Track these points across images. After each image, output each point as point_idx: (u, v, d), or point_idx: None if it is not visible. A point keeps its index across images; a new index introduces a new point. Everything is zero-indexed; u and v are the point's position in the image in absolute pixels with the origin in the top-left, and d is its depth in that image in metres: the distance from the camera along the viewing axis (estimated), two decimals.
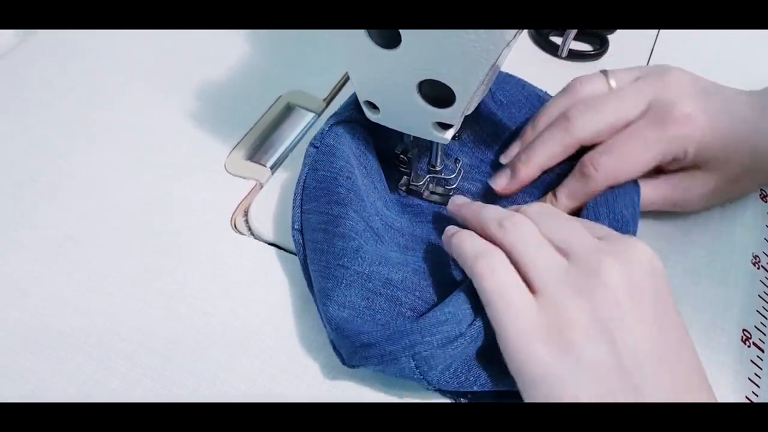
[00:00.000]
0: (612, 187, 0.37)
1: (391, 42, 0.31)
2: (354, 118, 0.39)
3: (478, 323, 0.30)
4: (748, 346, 0.35)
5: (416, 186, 0.41)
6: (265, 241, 0.40)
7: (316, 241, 0.35)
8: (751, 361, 0.35)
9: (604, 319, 0.27)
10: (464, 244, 0.32)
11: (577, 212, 0.37)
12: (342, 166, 0.36)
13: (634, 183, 0.37)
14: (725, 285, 0.37)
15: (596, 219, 0.35)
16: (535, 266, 0.29)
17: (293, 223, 0.37)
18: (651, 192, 0.38)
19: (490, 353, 0.30)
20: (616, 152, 0.36)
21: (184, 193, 0.42)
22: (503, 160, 0.41)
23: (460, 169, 0.41)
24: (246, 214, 0.41)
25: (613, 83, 0.39)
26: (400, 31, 0.29)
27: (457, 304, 0.30)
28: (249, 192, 0.43)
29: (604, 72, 0.40)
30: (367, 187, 0.38)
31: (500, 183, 0.39)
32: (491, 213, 0.33)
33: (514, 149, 0.41)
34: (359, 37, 0.31)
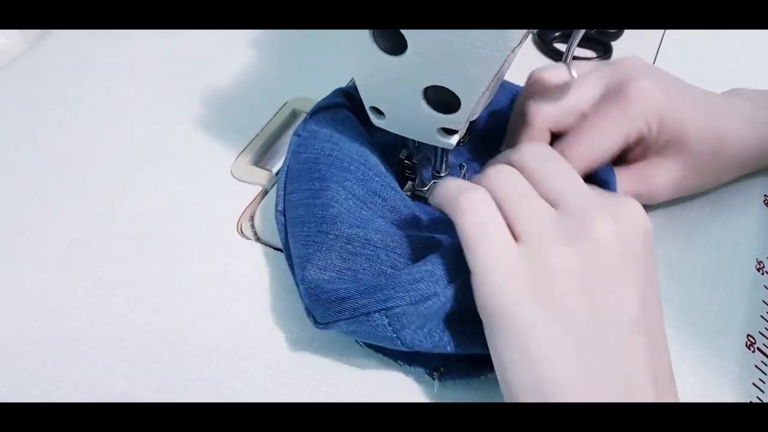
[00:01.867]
0: (590, 176, 0.37)
1: (397, 48, 0.31)
2: (335, 103, 0.39)
3: (456, 285, 0.29)
4: (753, 352, 0.35)
5: (421, 191, 0.41)
6: (271, 246, 0.40)
7: (297, 216, 0.35)
8: (756, 366, 0.35)
9: (590, 273, 0.26)
10: (447, 184, 0.30)
11: None
12: (323, 147, 0.37)
13: (610, 171, 0.37)
14: (729, 290, 0.37)
15: None
16: (518, 214, 0.28)
17: (276, 205, 0.37)
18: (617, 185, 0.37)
19: (466, 316, 0.29)
20: (585, 137, 0.36)
21: (190, 199, 0.43)
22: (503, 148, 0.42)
23: (464, 175, 0.41)
24: (252, 219, 0.42)
25: (573, 72, 0.38)
26: (406, 37, 0.30)
27: (436, 263, 0.30)
28: (255, 197, 0.43)
29: (566, 64, 0.39)
30: (363, 151, 0.37)
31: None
32: (481, 173, 0.31)
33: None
34: (365, 43, 0.31)
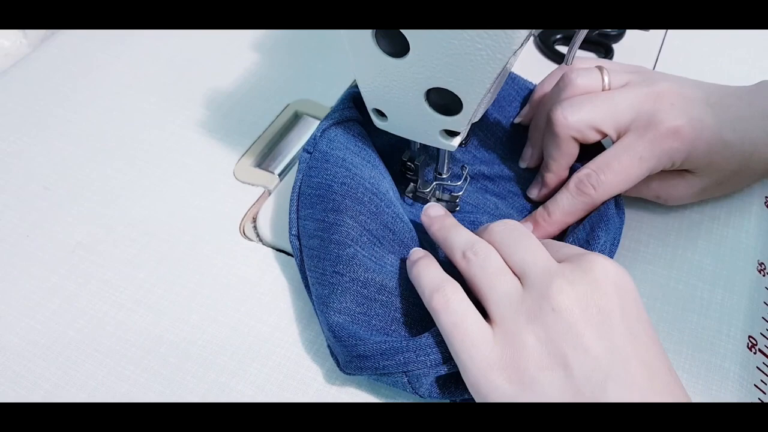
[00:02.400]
0: (597, 209, 0.37)
1: (399, 51, 0.31)
2: (347, 117, 0.39)
3: None
4: (754, 353, 0.35)
5: (423, 193, 0.41)
6: (274, 248, 0.40)
7: (312, 248, 0.35)
8: (757, 368, 0.35)
9: (558, 343, 0.27)
10: (422, 278, 0.32)
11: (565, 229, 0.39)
12: (336, 173, 0.36)
13: (619, 213, 0.38)
14: (731, 292, 0.37)
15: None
16: (492, 296, 0.29)
17: (290, 228, 0.37)
18: (639, 183, 0.38)
19: None
20: (612, 170, 0.37)
21: (194, 201, 0.43)
22: (522, 164, 0.43)
23: (466, 176, 0.41)
24: (254, 220, 0.42)
25: (606, 80, 0.39)
26: (409, 40, 0.30)
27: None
28: (257, 199, 0.43)
29: (600, 68, 0.39)
30: (374, 179, 0.37)
31: (534, 192, 0.41)
32: (456, 240, 0.33)
33: (528, 152, 0.43)
34: (368, 46, 0.31)
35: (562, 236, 0.39)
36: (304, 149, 0.38)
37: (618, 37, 0.53)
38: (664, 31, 0.54)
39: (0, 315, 0.37)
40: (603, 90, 0.39)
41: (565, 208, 0.38)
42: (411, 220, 0.38)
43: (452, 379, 0.31)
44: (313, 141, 0.38)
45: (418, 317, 0.33)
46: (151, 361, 0.35)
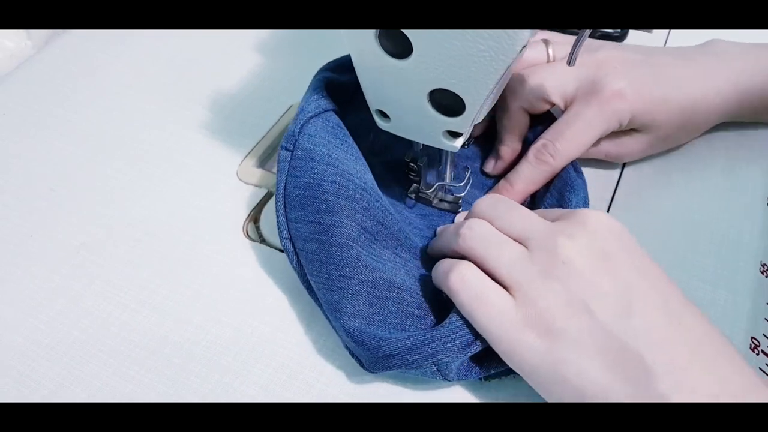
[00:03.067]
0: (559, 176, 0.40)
1: (402, 52, 0.31)
2: (323, 107, 0.38)
3: None
4: (757, 354, 0.35)
5: (425, 194, 0.41)
6: (277, 248, 0.40)
7: (311, 252, 0.34)
8: (760, 369, 0.35)
9: (576, 291, 0.29)
10: (437, 269, 0.33)
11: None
12: (324, 171, 0.35)
13: (579, 175, 0.40)
14: (733, 293, 0.37)
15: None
16: (500, 265, 0.30)
17: (281, 232, 0.36)
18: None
19: None
20: (565, 138, 0.39)
21: (196, 202, 0.43)
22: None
23: (469, 177, 0.41)
24: (257, 221, 0.42)
25: (551, 52, 0.42)
26: (412, 41, 0.30)
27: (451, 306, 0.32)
28: (260, 200, 0.43)
29: (545, 41, 0.42)
30: (360, 172, 0.37)
31: (490, 166, 0.43)
32: (449, 230, 0.34)
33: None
34: (371, 47, 0.32)
35: (531, 207, 0.39)
36: (283, 147, 0.37)
37: (621, 38, 0.53)
38: (667, 31, 0.54)
39: (4, 315, 0.37)
40: (548, 62, 0.41)
41: (527, 177, 0.40)
42: (407, 243, 0.38)
43: (476, 359, 0.32)
44: (293, 138, 0.37)
45: (430, 308, 0.34)
46: (155, 362, 0.35)
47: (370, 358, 0.32)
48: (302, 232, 0.35)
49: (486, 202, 0.34)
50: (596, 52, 0.40)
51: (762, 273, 0.39)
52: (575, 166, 0.40)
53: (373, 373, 0.33)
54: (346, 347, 0.34)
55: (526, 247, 0.31)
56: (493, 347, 0.30)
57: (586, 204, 0.38)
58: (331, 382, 0.34)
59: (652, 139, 0.41)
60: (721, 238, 0.40)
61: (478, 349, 0.31)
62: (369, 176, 0.37)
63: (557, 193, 0.39)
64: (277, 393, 0.34)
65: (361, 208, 0.35)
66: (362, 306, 0.33)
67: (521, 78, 0.40)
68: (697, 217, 0.41)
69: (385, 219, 0.36)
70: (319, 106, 0.38)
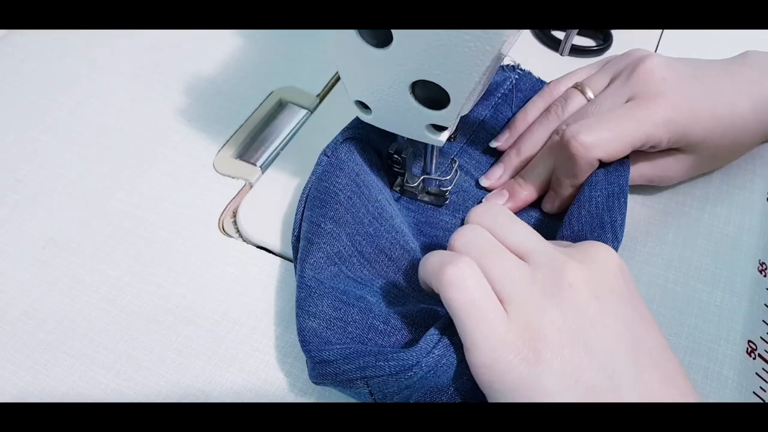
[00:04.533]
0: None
1: (382, 41, 0.29)
2: (369, 137, 0.38)
3: (438, 350, 0.28)
4: (753, 358, 0.34)
5: (411, 187, 0.39)
6: (254, 244, 0.39)
7: (302, 249, 0.34)
8: (757, 374, 0.33)
9: (575, 321, 0.26)
10: (430, 258, 0.30)
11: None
12: (345, 184, 0.35)
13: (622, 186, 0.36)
14: (730, 293, 0.36)
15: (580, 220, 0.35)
16: (497, 275, 0.28)
17: (294, 230, 0.36)
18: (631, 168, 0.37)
19: (454, 385, 0.29)
20: (603, 127, 0.35)
21: (171, 194, 0.41)
22: (493, 144, 0.42)
23: (456, 170, 0.39)
24: (234, 215, 0.40)
25: (590, 94, 0.39)
26: (392, 30, 0.28)
27: (429, 333, 0.29)
28: (238, 192, 0.41)
29: (578, 86, 0.39)
30: (380, 203, 0.36)
31: (493, 176, 0.40)
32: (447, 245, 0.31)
33: (504, 136, 0.41)
34: (349, 35, 0.29)
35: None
36: (324, 152, 0.37)
37: (606, 38, 0.50)
38: (660, 31, 0.52)
39: None
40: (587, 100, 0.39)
41: (546, 166, 0.37)
42: (414, 276, 0.36)
43: (424, 399, 0.29)
44: (334, 145, 0.37)
45: (398, 326, 0.32)
46: (123, 365, 0.34)
47: (310, 362, 0.30)
48: (304, 229, 0.35)
49: (483, 210, 0.31)
50: (638, 67, 0.37)
51: (761, 272, 0.37)
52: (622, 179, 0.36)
53: (314, 382, 0.31)
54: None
55: (525, 261, 0.28)
56: (469, 357, 0.27)
57: (619, 231, 0.34)
58: (308, 389, 0.33)
59: (697, 160, 0.38)
60: (720, 235, 0.38)
61: (412, 378, 0.27)
62: (389, 210, 0.37)
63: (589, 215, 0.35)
64: (252, 399, 0.32)
65: (365, 232, 0.35)
66: (325, 308, 0.31)
67: (591, 130, 0.35)
68: (695, 214, 0.39)
69: (392, 251, 0.35)
70: (367, 131, 0.37)
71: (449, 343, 0.28)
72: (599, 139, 0.35)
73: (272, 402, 0.32)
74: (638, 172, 0.38)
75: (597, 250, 0.29)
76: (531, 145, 0.39)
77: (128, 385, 0.33)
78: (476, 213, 0.31)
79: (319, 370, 0.30)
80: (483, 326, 0.27)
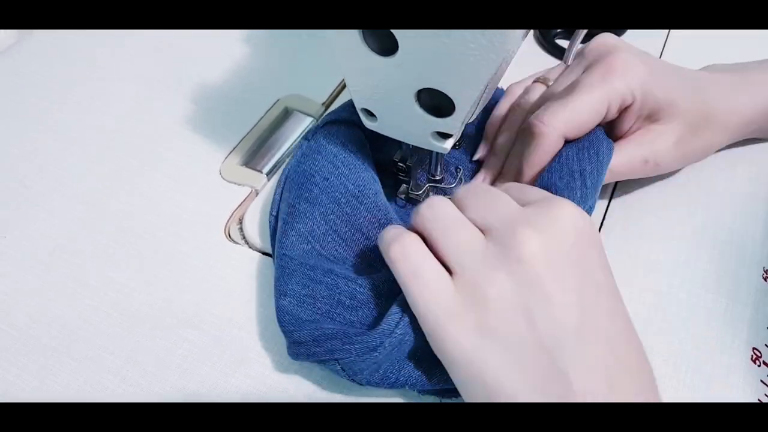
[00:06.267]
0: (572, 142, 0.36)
1: (388, 49, 0.29)
2: (351, 119, 0.38)
3: (400, 330, 0.29)
4: (758, 366, 0.34)
5: (416, 195, 0.40)
6: (260, 251, 0.39)
7: (279, 229, 0.35)
8: (762, 381, 0.33)
9: (522, 293, 0.26)
10: (382, 236, 0.30)
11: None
12: (322, 165, 0.36)
13: (605, 141, 0.36)
14: (735, 300, 0.36)
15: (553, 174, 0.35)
16: (448, 247, 0.28)
17: (271, 209, 0.37)
18: (620, 153, 0.37)
19: (419, 353, 0.30)
20: (560, 103, 0.35)
21: (177, 200, 0.41)
22: (475, 157, 0.41)
23: (460, 178, 0.40)
24: (241, 222, 0.40)
25: (551, 83, 0.39)
26: (398, 38, 0.28)
27: (391, 312, 0.30)
28: (244, 199, 0.41)
29: (540, 79, 0.40)
30: (362, 180, 0.36)
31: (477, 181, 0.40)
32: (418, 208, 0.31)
33: (481, 147, 0.41)
34: (355, 43, 0.30)
35: None
36: (304, 137, 0.39)
37: (620, 33, 0.51)
38: (667, 31, 0.52)
39: None
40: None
41: (522, 158, 0.36)
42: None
43: (393, 369, 0.31)
44: (314, 130, 0.38)
45: (365, 300, 0.32)
46: (129, 371, 0.34)
47: (287, 340, 0.32)
48: (282, 210, 0.36)
49: (459, 191, 0.31)
50: (595, 40, 0.38)
51: (765, 279, 0.37)
52: (599, 133, 0.36)
53: (292, 359, 0.32)
54: None
55: (485, 234, 0.28)
56: (422, 327, 0.28)
57: (593, 184, 0.34)
58: (314, 396, 0.33)
59: (680, 130, 0.37)
60: (724, 243, 0.38)
61: (378, 357, 0.29)
62: (374, 187, 0.37)
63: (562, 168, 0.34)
64: (257, 399, 0.32)
65: (341, 212, 0.35)
66: (295, 285, 0.33)
67: (554, 111, 0.36)
68: (699, 220, 0.39)
69: (369, 229, 0.35)
70: (349, 113, 0.38)
71: (410, 320, 0.29)
72: (558, 114, 0.35)
73: (273, 402, 0.32)
74: (628, 156, 0.37)
75: (558, 213, 0.27)
76: (504, 143, 0.40)
77: (134, 391, 0.33)
78: (457, 193, 0.31)
79: (294, 349, 0.31)
80: (426, 297, 0.27)
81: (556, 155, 0.35)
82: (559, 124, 0.35)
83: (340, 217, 0.35)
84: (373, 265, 0.35)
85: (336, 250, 0.35)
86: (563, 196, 0.32)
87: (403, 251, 0.28)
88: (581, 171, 0.34)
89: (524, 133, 0.36)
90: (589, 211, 0.34)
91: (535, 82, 0.41)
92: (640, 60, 0.36)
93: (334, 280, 0.33)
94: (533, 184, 0.35)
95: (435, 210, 0.29)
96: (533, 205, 0.28)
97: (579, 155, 0.35)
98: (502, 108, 0.42)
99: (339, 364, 0.30)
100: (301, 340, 0.31)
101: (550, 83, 0.40)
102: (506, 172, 0.39)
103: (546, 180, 0.34)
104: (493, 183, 0.40)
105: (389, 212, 0.36)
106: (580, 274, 0.27)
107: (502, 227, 0.27)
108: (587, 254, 0.27)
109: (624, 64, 0.35)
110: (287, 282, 0.33)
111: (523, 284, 0.26)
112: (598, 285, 0.27)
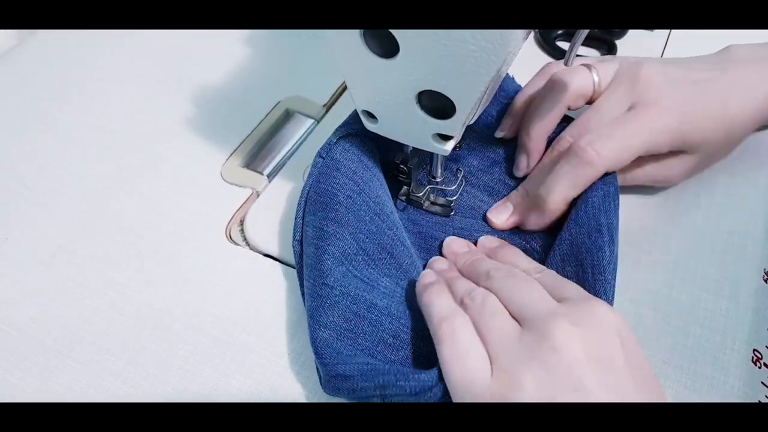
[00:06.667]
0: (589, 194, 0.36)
1: (389, 51, 0.29)
2: (363, 131, 0.38)
3: None
4: (759, 367, 0.34)
5: (416, 197, 0.40)
6: (261, 253, 0.39)
7: (308, 256, 0.34)
8: (762, 383, 0.33)
9: (556, 385, 0.26)
10: (433, 304, 0.31)
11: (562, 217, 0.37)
12: (344, 183, 0.35)
13: (613, 194, 0.36)
14: (736, 302, 0.36)
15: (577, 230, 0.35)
16: (488, 336, 0.29)
17: (294, 233, 0.36)
18: (634, 166, 0.38)
19: None
20: (615, 137, 0.36)
21: (179, 202, 0.41)
22: (498, 134, 0.42)
23: (461, 180, 0.40)
24: (242, 224, 0.40)
25: (596, 78, 0.39)
26: (399, 40, 0.28)
27: (424, 356, 0.30)
28: (245, 201, 0.42)
29: (588, 66, 0.39)
30: (380, 198, 0.36)
31: (522, 166, 0.40)
32: (459, 287, 0.32)
33: (523, 161, 0.40)
34: (356, 46, 0.30)
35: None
36: (319, 154, 0.37)
37: (621, 34, 0.51)
38: (668, 31, 0.52)
39: None
40: (594, 89, 0.39)
41: (565, 183, 0.36)
42: (415, 272, 0.36)
43: None
44: (328, 146, 0.37)
45: (407, 341, 0.32)
46: (131, 373, 0.34)
47: (325, 374, 0.31)
48: (308, 234, 0.35)
49: (496, 272, 0.32)
50: (638, 72, 0.37)
51: (765, 281, 0.37)
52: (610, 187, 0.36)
53: (328, 393, 0.31)
54: (315, 364, 0.32)
55: (521, 324, 0.29)
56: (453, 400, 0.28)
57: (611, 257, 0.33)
58: (315, 397, 0.33)
59: (699, 159, 0.39)
60: (724, 244, 0.38)
61: (430, 400, 0.29)
62: (389, 204, 0.37)
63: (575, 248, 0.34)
64: (258, 401, 0.32)
65: (367, 230, 0.35)
66: (336, 318, 0.32)
67: (602, 138, 0.36)
68: (700, 223, 0.39)
69: (394, 248, 0.35)
70: (360, 125, 0.37)
71: None
72: (611, 149, 0.35)
73: (274, 402, 0.32)
74: (644, 172, 0.39)
75: (593, 310, 0.28)
76: (539, 123, 0.39)
77: (135, 392, 0.33)
78: (492, 267, 0.32)
79: (334, 383, 0.30)
80: (465, 382, 0.28)
81: (583, 196, 0.36)
82: (609, 160, 0.35)
83: (367, 236, 0.34)
84: (402, 287, 0.35)
85: (366, 270, 0.34)
86: (593, 256, 0.33)
87: (453, 332, 0.29)
88: (608, 225, 0.34)
89: (568, 155, 0.36)
90: (614, 270, 0.33)
91: (581, 65, 0.40)
92: (677, 104, 0.36)
93: (378, 317, 0.32)
94: (561, 238, 0.35)
95: (480, 303, 0.30)
96: (568, 302, 0.29)
97: (605, 204, 0.35)
98: (536, 84, 0.41)
99: (383, 400, 0.29)
100: (346, 373, 0.29)
101: (595, 76, 0.39)
102: (529, 185, 0.39)
103: (575, 234, 0.34)
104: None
105: (403, 230, 0.36)
106: (618, 369, 0.26)
107: (538, 317, 0.28)
108: (625, 350, 0.27)
109: (669, 115, 0.36)
110: (328, 314, 0.32)
111: (557, 375, 0.26)
112: (638, 384, 0.26)
